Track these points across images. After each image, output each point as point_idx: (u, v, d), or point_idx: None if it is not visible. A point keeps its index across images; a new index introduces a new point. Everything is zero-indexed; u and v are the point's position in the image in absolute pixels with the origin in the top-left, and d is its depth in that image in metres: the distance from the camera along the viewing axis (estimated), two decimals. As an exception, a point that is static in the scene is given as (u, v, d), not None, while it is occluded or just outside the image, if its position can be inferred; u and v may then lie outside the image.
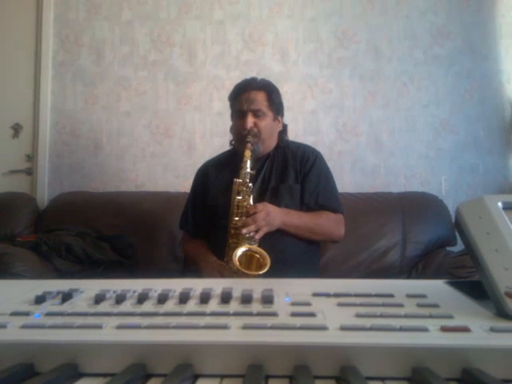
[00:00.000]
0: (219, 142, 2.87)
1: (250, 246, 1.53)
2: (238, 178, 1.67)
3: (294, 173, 1.81)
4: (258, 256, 1.49)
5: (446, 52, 3.03)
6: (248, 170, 1.67)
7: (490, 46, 3.05)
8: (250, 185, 1.67)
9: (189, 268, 2.35)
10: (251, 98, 1.78)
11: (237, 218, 1.63)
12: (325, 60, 3.02)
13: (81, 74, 3.02)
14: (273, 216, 1.61)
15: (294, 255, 1.68)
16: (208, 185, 1.88)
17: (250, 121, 1.75)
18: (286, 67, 3.00)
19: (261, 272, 1.42)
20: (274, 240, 1.64)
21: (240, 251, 1.49)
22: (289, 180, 1.80)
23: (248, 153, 1.69)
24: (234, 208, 1.65)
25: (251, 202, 1.65)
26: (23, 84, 3.06)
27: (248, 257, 1.51)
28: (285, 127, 1.93)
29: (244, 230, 1.53)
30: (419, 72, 3.03)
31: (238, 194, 1.66)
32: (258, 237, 1.56)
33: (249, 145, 1.71)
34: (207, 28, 3.03)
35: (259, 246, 1.55)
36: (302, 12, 3.03)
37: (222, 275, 1.56)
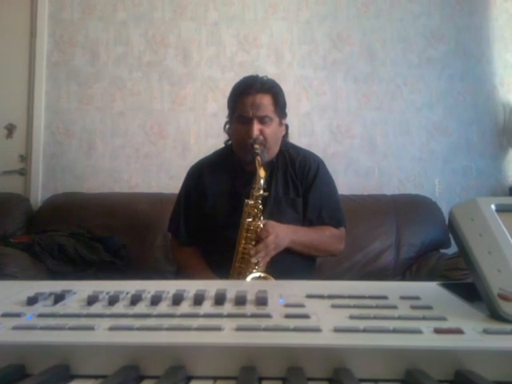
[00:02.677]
0: (214, 143, 2.85)
1: (259, 273, 1.49)
2: (250, 198, 1.57)
3: (295, 186, 1.73)
4: None
5: (439, 55, 3.05)
6: (261, 191, 1.56)
7: (483, 49, 3.08)
8: (261, 207, 1.57)
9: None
10: (257, 102, 1.62)
11: (243, 242, 1.56)
12: (319, 62, 3.03)
13: (75, 75, 3.01)
14: (282, 237, 1.55)
15: (290, 263, 1.62)
16: (204, 190, 1.75)
17: (256, 128, 1.61)
18: (280, 69, 3.01)
19: None
20: None
21: (250, 278, 1.45)
22: (290, 193, 1.72)
23: (262, 173, 1.57)
24: (243, 231, 1.56)
25: (261, 225, 1.55)
26: (17, 84, 3.05)
27: None
28: (286, 128, 1.80)
29: (253, 259, 1.48)
30: (413, 75, 3.04)
31: (249, 216, 1.56)
32: (263, 262, 1.51)
33: (259, 158, 1.58)
34: (202, 29, 3.03)
35: (266, 272, 1.50)
36: (297, 14, 3.04)
37: None
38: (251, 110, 1.62)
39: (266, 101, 1.65)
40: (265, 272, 1.50)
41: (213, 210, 1.72)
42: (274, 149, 1.72)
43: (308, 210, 1.71)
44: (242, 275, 1.50)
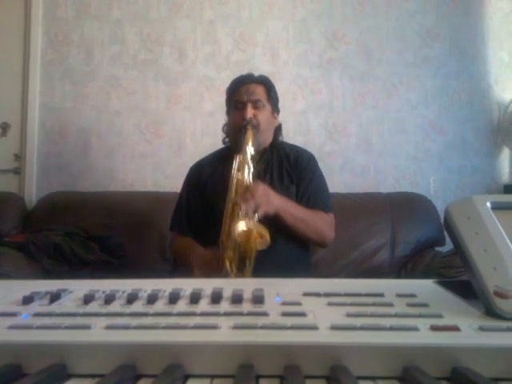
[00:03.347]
0: (209, 141, 2.86)
1: (250, 222, 1.45)
2: (239, 154, 1.65)
3: (289, 175, 1.79)
4: (255, 234, 1.42)
5: (434, 53, 3.06)
6: (250, 147, 1.65)
7: (478, 47, 3.09)
8: (250, 163, 1.64)
9: (177, 268, 2.34)
10: (251, 89, 1.79)
11: (234, 195, 1.59)
12: (315, 61, 3.03)
13: (70, 73, 3.00)
14: (272, 196, 1.57)
15: (285, 259, 1.65)
16: (204, 181, 1.83)
17: (250, 111, 1.74)
18: (276, 68, 3.01)
19: (260, 248, 1.38)
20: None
21: (241, 226, 1.42)
22: (284, 180, 1.78)
23: (250, 133, 1.68)
24: (232, 186, 1.60)
25: (250, 180, 1.61)
26: (11, 83, 3.03)
27: (245, 235, 1.43)
28: (280, 126, 1.92)
29: (243, 206, 1.47)
30: (408, 73, 3.05)
31: (238, 170, 1.62)
32: (260, 215, 1.49)
33: (249, 127, 1.70)
34: (197, 28, 3.02)
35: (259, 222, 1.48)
36: (293, 13, 3.04)
37: (207, 264, 1.50)
38: (245, 96, 1.78)
39: (259, 89, 1.81)
40: (257, 223, 1.46)
41: (212, 198, 1.76)
42: (266, 135, 1.83)
43: (298, 196, 1.76)
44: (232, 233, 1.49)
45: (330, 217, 1.78)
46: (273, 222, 1.56)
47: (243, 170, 1.62)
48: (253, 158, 1.66)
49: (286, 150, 1.87)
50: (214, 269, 1.45)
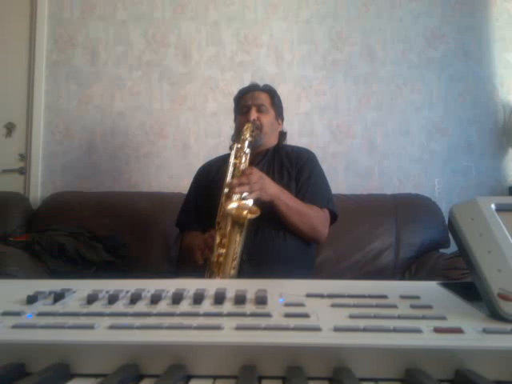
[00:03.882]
0: (213, 142, 2.87)
1: (242, 203, 1.49)
2: (238, 143, 1.75)
3: (289, 172, 1.82)
4: (247, 211, 1.47)
5: (439, 55, 3.05)
6: (247, 136, 1.74)
7: (484, 49, 3.07)
8: (248, 150, 1.72)
9: (180, 268, 2.35)
10: (255, 95, 1.92)
11: (229, 178, 1.65)
12: (319, 62, 3.03)
13: (75, 74, 3.01)
14: (267, 182, 1.59)
15: (288, 253, 1.67)
16: (210, 180, 1.88)
17: (254, 114, 1.85)
18: (280, 69, 3.01)
19: (250, 217, 1.42)
20: (269, 238, 1.64)
21: (233, 205, 1.47)
22: (285, 177, 1.80)
23: (249, 125, 1.78)
24: (229, 168, 1.68)
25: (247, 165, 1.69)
26: (17, 83, 3.05)
27: (237, 211, 1.48)
28: (284, 133, 2.02)
29: (237, 189, 1.51)
30: (413, 75, 3.04)
31: (235, 158, 1.71)
32: (251, 197, 1.53)
33: (251, 124, 1.79)
34: (202, 29, 3.03)
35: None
36: (297, 14, 3.04)
37: (204, 242, 1.54)
38: (250, 100, 1.91)
39: (263, 96, 1.94)
40: (248, 205, 1.49)
41: (217, 197, 1.74)
42: (269, 138, 1.91)
43: (296, 189, 1.79)
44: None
45: (324, 213, 1.78)
46: (270, 216, 1.59)
47: (240, 157, 1.70)
48: (250, 144, 1.74)
49: (287, 150, 1.93)
50: (210, 247, 1.49)
